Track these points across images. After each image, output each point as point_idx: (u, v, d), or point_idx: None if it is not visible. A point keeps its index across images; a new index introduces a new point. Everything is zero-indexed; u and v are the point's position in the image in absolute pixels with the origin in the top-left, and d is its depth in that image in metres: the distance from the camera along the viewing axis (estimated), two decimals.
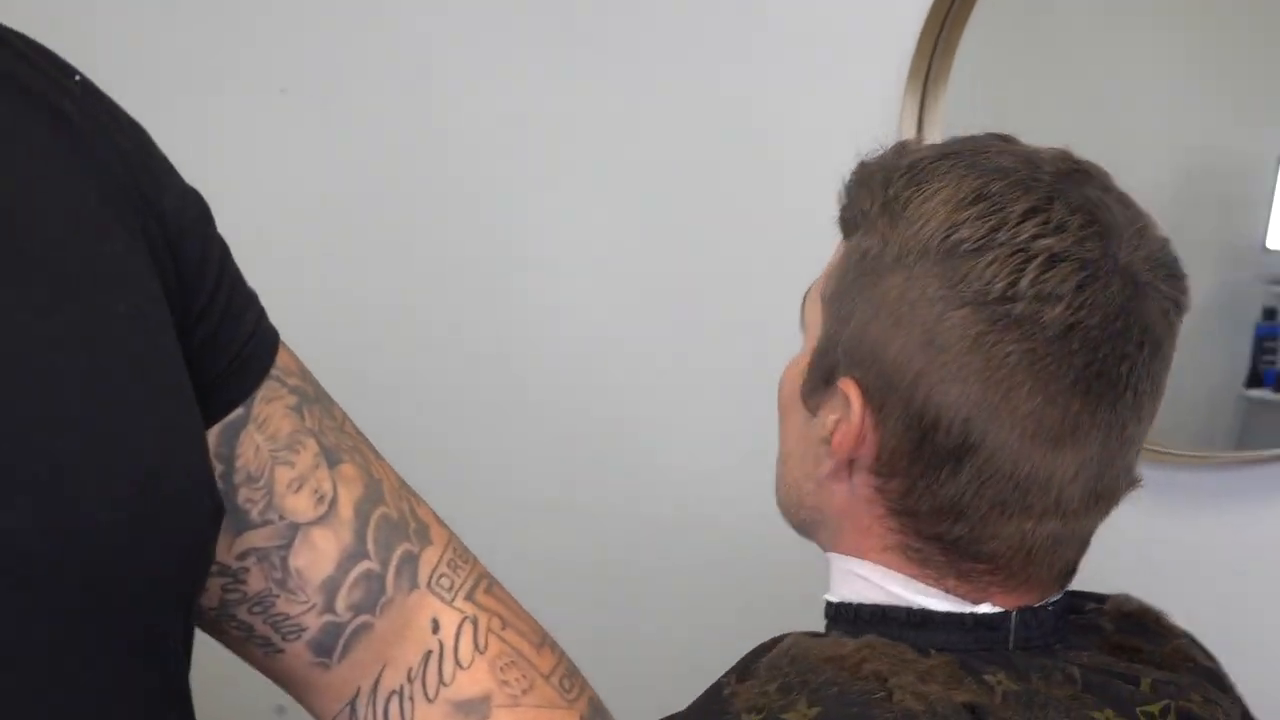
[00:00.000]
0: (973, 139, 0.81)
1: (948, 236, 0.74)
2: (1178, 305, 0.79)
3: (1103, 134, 1.59)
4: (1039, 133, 1.65)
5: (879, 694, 0.72)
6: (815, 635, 0.80)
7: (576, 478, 1.92)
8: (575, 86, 1.87)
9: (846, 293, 0.80)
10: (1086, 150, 1.66)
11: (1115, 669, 0.79)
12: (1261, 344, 1.50)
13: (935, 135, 1.54)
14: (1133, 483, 0.82)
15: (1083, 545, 0.82)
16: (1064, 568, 0.81)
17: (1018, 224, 0.74)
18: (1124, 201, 0.79)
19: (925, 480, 0.77)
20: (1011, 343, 0.73)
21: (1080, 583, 1.58)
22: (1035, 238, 0.73)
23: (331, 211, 1.98)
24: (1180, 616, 1.47)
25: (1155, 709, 0.78)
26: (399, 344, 1.97)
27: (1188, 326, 1.51)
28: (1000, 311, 0.73)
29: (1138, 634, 0.85)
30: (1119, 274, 0.75)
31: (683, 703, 0.81)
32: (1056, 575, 0.81)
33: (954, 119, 1.55)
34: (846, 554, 0.82)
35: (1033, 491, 0.76)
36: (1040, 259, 0.73)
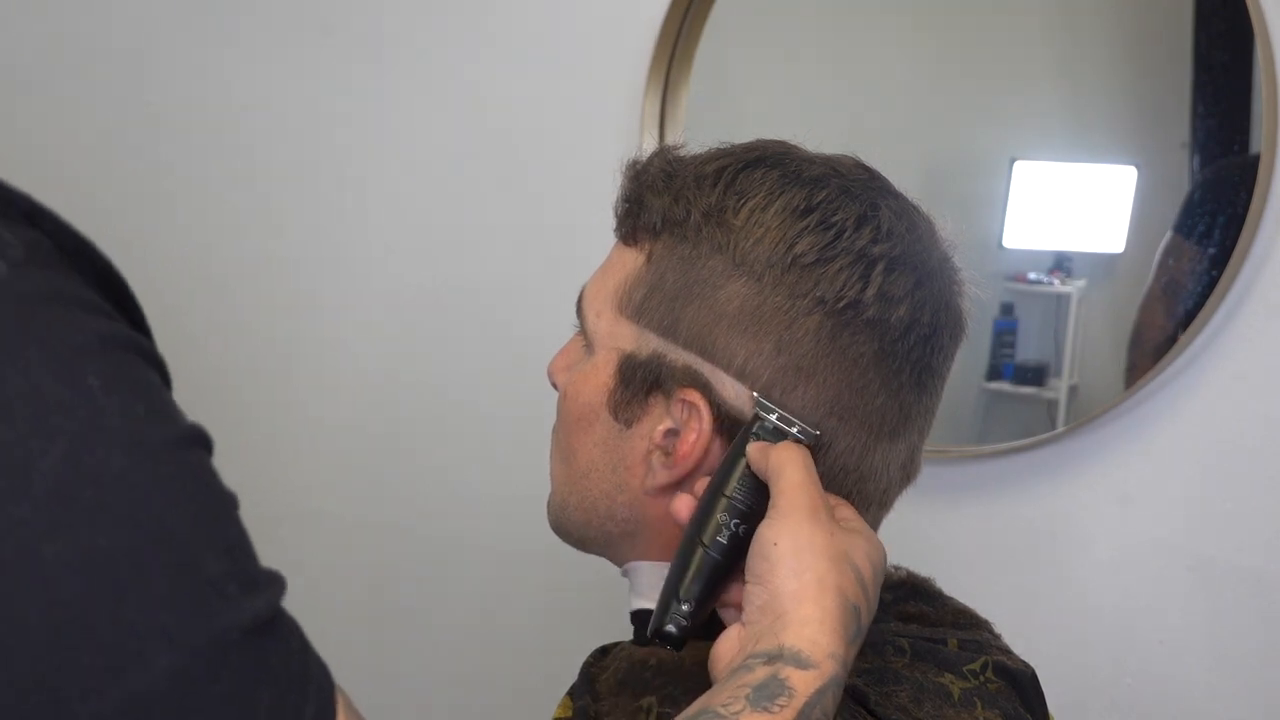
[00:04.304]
0: (758, 145, 0.82)
1: (791, 247, 0.76)
2: (963, 291, 0.83)
3: (845, 135, 1.62)
4: (783, 135, 1.68)
5: None
6: (641, 644, 0.79)
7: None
8: (313, 83, 1.80)
9: (666, 303, 0.78)
10: (829, 150, 1.69)
11: (926, 635, 0.83)
12: (1000, 338, 1.55)
13: (677, 137, 1.54)
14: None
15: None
16: None
17: (854, 232, 0.76)
18: (910, 201, 0.83)
19: None
20: (864, 344, 0.76)
21: None
22: (872, 243, 0.76)
23: None
24: None
25: (976, 666, 0.84)
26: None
27: None
28: (851, 315, 0.76)
29: (917, 600, 0.90)
30: (936, 271, 0.79)
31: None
32: None
33: (695, 121, 1.55)
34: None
35: (869, 480, 0.79)
36: (882, 264, 0.76)
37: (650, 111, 1.56)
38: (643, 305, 0.79)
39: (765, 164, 0.79)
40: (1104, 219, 1.46)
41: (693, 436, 0.78)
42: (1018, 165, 1.51)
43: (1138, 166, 1.44)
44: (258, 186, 1.85)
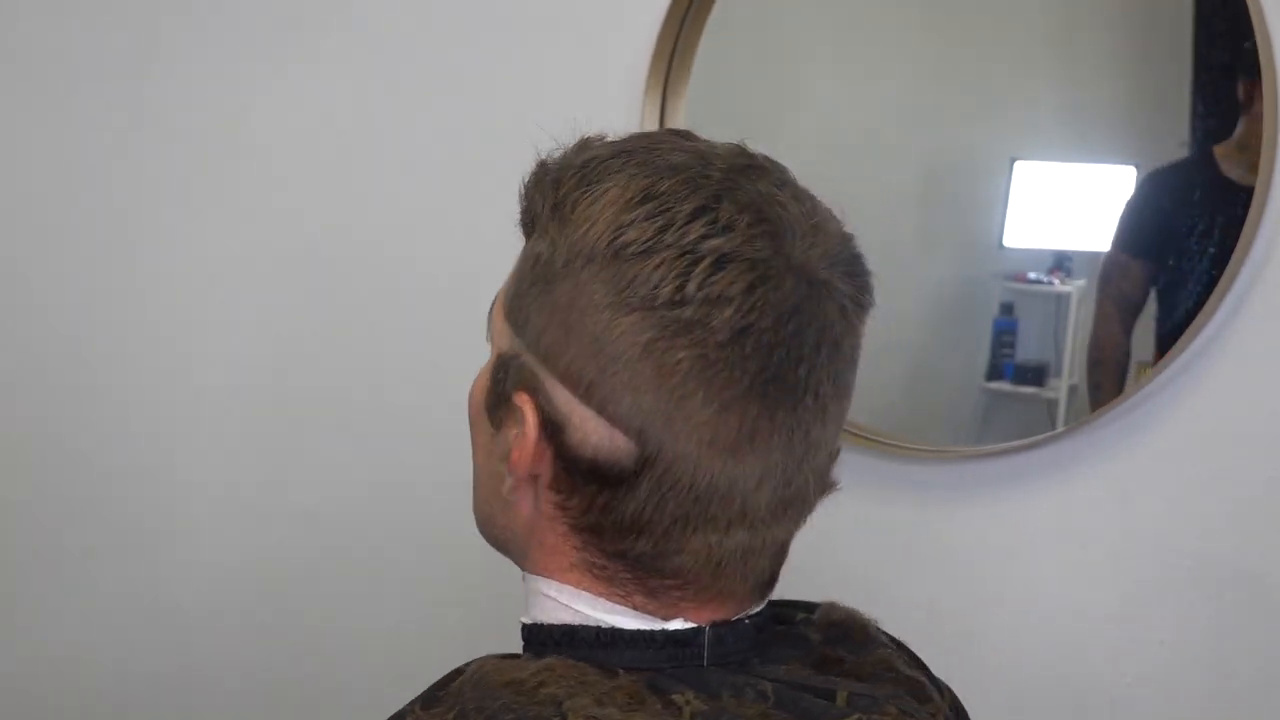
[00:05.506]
0: (648, 135, 0.77)
1: (615, 239, 0.70)
2: (858, 303, 0.75)
3: (845, 136, 1.63)
4: (780, 138, 1.68)
5: (553, 718, 0.68)
6: (507, 658, 0.76)
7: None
8: (302, 75, 1.80)
9: (520, 301, 0.75)
10: (832, 152, 1.69)
11: (811, 683, 0.76)
12: (1000, 337, 1.55)
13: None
14: (827, 487, 0.78)
15: (778, 554, 0.79)
16: (760, 579, 0.78)
17: (685, 224, 0.70)
18: (799, 197, 0.75)
19: (604, 496, 0.73)
20: (682, 349, 0.69)
21: (821, 578, 1.62)
22: (703, 238, 0.69)
23: None
24: (921, 607, 1.52)
25: None
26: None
27: (930, 321, 1.59)
28: (669, 316, 0.69)
29: (842, 644, 0.82)
30: (791, 273, 0.71)
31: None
32: (752, 587, 0.78)
33: (695, 121, 1.55)
34: (536, 574, 0.79)
35: (715, 502, 0.72)
36: (708, 260, 0.69)
37: (650, 111, 1.56)
38: (512, 303, 0.77)
39: (633, 154, 0.74)
40: (1104, 219, 1.46)
41: (521, 442, 0.74)
42: (1018, 165, 1.51)
43: (1138, 166, 1.44)
44: (255, 185, 1.86)
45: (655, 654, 0.74)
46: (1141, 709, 1.42)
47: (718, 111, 1.57)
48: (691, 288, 0.69)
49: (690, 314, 0.69)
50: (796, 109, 1.62)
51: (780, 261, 0.71)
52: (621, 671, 0.73)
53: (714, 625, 0.76)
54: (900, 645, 0.86)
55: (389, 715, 0.76)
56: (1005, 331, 1.55)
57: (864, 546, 1.55)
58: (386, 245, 1.80)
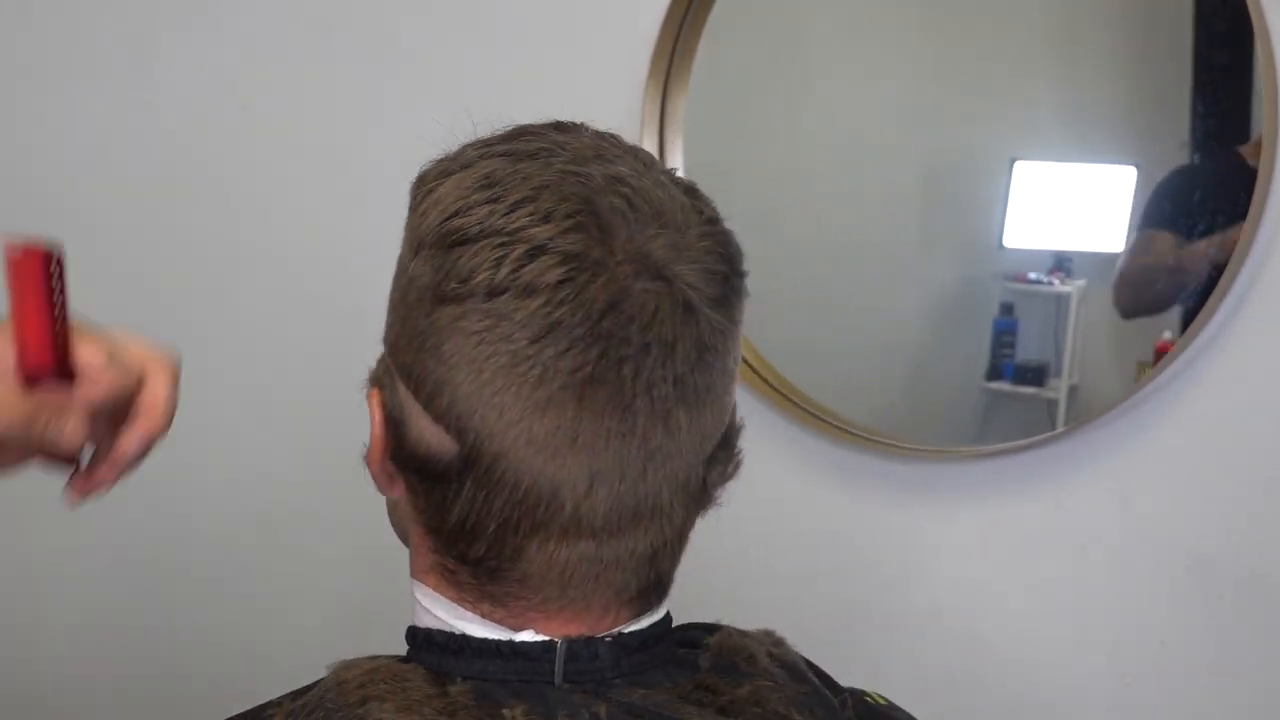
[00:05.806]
0: (526, 127, 0.73)
1: (443, 226, 0.67)
2: (715, 300, 0.69)
3: (845, 136, 1.63)
4: (780, 138, 1.67)
5: None
6: (367, 658, 0.74)
7: None
8: (302, 75, 1.80)
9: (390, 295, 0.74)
10: (832, 152, 1.68)
11: (660, 711, 0.72)
12: (1000, 338, 1.55)
13: (677, 143, 1.54)
14: (701, 501, 0.74)
15: (643, 568, 0.73)
16: (624, 593, 0.73)
17: (508, 213, 0.66)
18: (653, 188, 0.70)
19: (437, 494, 0.70)
20: (493, 343, 0.65)
21: (821, 578, 1.62)
22: (523, 228, 0.65)
23: None
24: (921, 608, 1.52)
25: None
26: None
27: (930, 321, 1.59)
28: (482, 309, 0.65)
29: (725, 673, 0.77)
30: (620, 267, 0.66)
31: None
32: (614, 601, 0.73)
33: (695, 121, 1.55)
34: (410, 575, 0.77)
35: (541, 507, 0.68)
36: (520, 251, 0.65)
37: (650, 111, 1.56)
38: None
39: (494, 146, 0.71)
40: (1104, 219, 1.46)
41: (372, 439, 0.73)
42: (1018, 165, 1.51)
43: (1138, 166, 1.44)
44: (256, 184, 1.86)
45: (503, 665, 0.72)
46: (1141, 709, 1.42)
47: (718, 111, 1.58)
48: (501, 278, 0.65)
49: (500, 306, 0.65)
50: (797, 109, 1.62)
51: (601, 254, 0.66)
52: (460, 680, 0.71)
53: (570, 640, 0.72)
54: (800, 679, 0.80)
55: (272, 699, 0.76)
56: (1005, 331, 1.55)
57: (864, 546, 1.55)
58: (386, 245, 1.79)
